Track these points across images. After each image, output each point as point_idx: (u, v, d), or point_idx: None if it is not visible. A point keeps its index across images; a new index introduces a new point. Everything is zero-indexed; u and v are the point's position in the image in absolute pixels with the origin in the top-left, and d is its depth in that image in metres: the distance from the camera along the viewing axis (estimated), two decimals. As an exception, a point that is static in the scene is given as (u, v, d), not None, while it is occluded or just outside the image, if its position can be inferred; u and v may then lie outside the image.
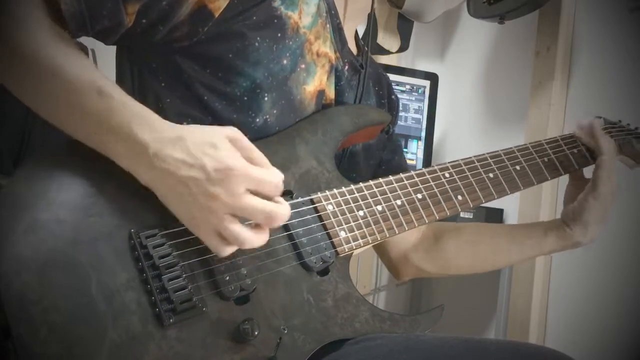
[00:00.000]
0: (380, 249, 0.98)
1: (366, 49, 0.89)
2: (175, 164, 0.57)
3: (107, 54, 0.77)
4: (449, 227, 0.96)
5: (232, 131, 0.60)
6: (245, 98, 0.72)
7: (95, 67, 0.62)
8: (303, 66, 0.76)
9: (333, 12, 0.81)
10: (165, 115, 0.62)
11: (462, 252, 0.92)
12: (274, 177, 0.59)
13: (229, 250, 0.59)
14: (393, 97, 0.98)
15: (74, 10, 0.62)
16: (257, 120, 0.73)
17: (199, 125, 0.61)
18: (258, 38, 0.71)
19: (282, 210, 0.59)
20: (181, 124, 0.70)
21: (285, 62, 0.74)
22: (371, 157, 0.91)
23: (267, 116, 0.73)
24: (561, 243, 0.87)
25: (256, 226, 0.59)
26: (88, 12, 0.63)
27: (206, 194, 0.56)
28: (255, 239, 0.59)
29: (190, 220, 0.59)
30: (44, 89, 0.60)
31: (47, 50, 0.60)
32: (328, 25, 0.80)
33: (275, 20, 0.72)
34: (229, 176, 0.57)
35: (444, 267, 0.94)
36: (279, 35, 0.73)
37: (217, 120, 0.71)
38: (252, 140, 0.72)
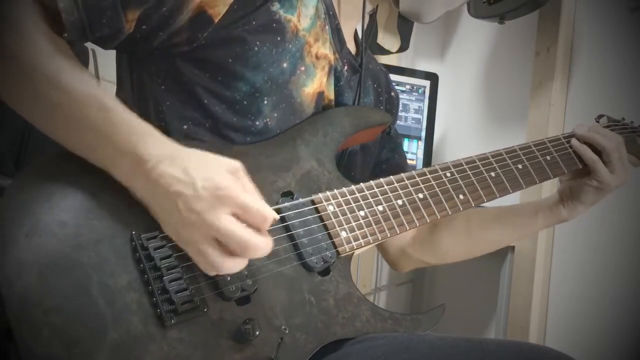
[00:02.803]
0: (379, 247, 1.00)
1: (364, 45, 0.89)
2: (169, 180, 0.57)
3: (108, 55, 0.77)
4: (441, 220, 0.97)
5: (233, 162, 0.59)
6: (245, 102, 0.72)
7: (97, 81, 0.61)
8: (303, 69, 0.76)
9: (331, 12, 0.81)
10: (165, 119, 0.62)
11: (455, 241, 0.95)
12: (263, 207, 0.57)
13: (213, 271, 0.58)
14: (393, 94, 0.98)
15: (74, 19, 0.62)
16: (257, 123, 0.73)
17: (204, 151, 0.60)
18: (258, 42, 0.71)
19: (261, 243, 0.56)
20: (181, 127, 0.70)
21: (285, 65, 0.74)
22: (369, 155, 0.91)
23: (268, 119, 0.73)
24: (550, 220, 0.91)
25: (231, 252, 0.56)
26: (88, 20, 0.62)
27: (190, 210, 0.56)
28: (231, 266, 0.56)
29: (178, 238, 0.58)
30: (44, 102, 0.59)
31: (48, 64, 0.59)
32: (327, 27, 0.80)
33: (275, 25, 0.72)
34: (215, 195, 0.55)
35: (440, 257, 0.97)
36: (279, 39, 0.72)
37: (217, 123, 0.71)
38: (253, 142, 0.73)
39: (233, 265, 0.57)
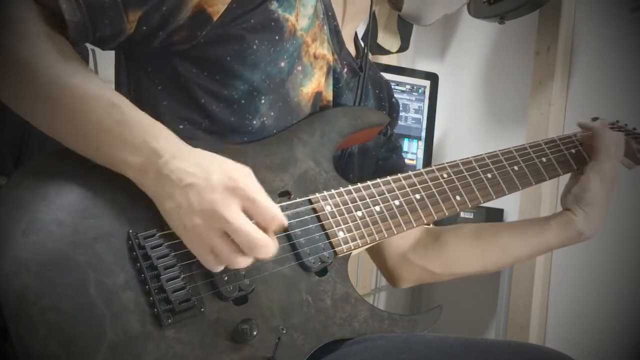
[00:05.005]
0: (377, 255, 0.95)
1: (366, 50, 0.89)
2: (182, 174, 0.57)
3: (107, 55, 0.77)
4: (447, 227, 0.95)
5: (245, 167, 0.60)
6: (243, 101, 0.72)
7: (101, 80, 0.62)
8: (300, 68, 0.76)
9: (330, 13, 0.81)
10: (162, 118, 0.62)
11: (463, 248, 0.90)
12: (274, 208, 0.58)
13: (220, 267, 0.58)
14: (393, 100, 0.99)
15: (77, 20, 0.62)
16: (255, 122, 0.73)
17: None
18: (256, 41, 0.71)
19: (267, 244, 0.57)
20: (178, 127, 0.70)
21: (282, 64, 0.74)
22: (367, 158, 0.91)
23: (265, 118, 0.73)
24: (565, 232, 0.85)
25: (237, 249, 0.57)
26: (91, 21, 0.63)
27: (202, 200, 0.56)
28: (239, 261, 0.57)
29: (184, 233, 0.58)
30: (46, 101, 0.60)
31: (49, 63, 0.60)
32: (325, 27, 0.80)
33: (273, 23, 0.72)
34: (229, 186, 0.57)
35: (446, 265, 0.91)
36: (277, 38, 0.73)
37: (214, 123, 0.71)
38: (250, 142, 0.73)
39: (240, 261, 0.57)
